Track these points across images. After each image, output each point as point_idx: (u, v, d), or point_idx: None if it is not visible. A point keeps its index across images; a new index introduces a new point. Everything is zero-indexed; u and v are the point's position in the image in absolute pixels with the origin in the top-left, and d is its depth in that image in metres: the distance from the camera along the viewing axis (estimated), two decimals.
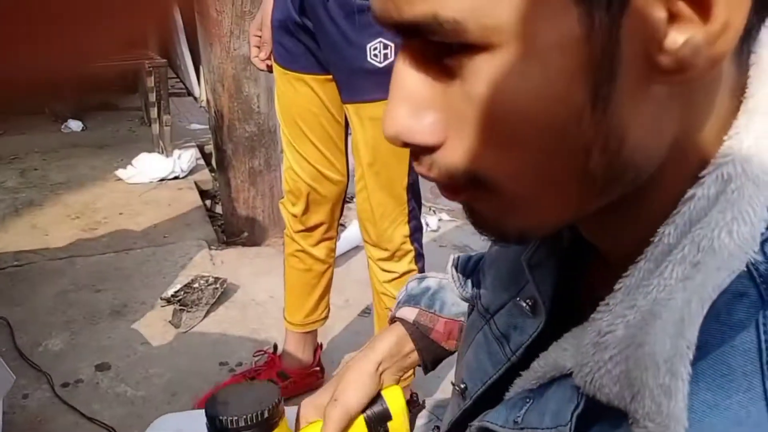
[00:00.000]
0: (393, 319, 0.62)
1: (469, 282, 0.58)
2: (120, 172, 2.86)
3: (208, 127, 3.21)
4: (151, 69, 3.01)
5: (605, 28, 0.26)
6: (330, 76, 1.16)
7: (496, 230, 0.34)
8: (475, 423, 0.46)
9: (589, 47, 0.26)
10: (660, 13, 0.26)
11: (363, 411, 0.56)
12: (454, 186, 0.32)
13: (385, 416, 0.56)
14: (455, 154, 0.30)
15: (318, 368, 1.53)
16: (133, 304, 1.87)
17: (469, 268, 0.60)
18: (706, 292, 0.28)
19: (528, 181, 0.30)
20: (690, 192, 0.30)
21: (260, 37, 1.26)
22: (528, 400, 0.39)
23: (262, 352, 1.58)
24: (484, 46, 0.27)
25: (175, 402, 1.49)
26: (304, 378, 1.48)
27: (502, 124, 0.28)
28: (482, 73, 0.27)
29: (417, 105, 0.30)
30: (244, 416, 0.50)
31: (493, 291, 0.48)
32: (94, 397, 1.50)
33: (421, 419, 0.69)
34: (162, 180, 2.82)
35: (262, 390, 0.54)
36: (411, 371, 0.70)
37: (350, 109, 1.15)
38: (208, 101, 2.64)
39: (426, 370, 0.63)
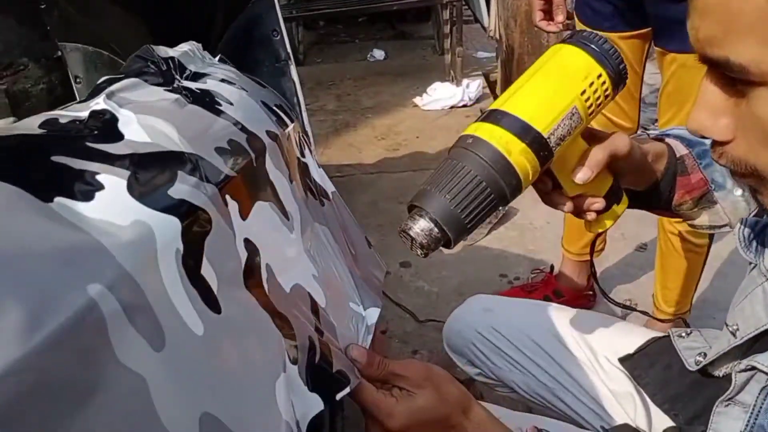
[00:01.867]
0: (659, 138, 0.72)
1: (754, 243, 0.63)
2: (417, 99, 3.22)
3: (494, 56, 3.40)
4: (447, 3, 3.26)
5: None
6: (634, 33, 1.25)
7: None
8: (744, 361, 0.57)
9: None
10: None
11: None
12: (739, 172, 0.45)
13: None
14: (740, 150, 0.43)
15: (591, 293, 1.68)
16: None
17: (756, 230, 0.65)
18: None
19: None
20: None
21: (545, 0, 1.35)
22: None
23: (539, 270, 1.78)
24: (763, 83, 0.39)
25: (461, 301, 1.79)
26: (578, 299, 1.65)
27: None
28: (761, 100, 0.40)
29: (714, 111, 0.44)
30: None
31: None
32: (399, 287, 1.86)
33: (689, 340, 0.80)
34: (452, 107, 3.11)
35: None
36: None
37: (667, 58, 1.22)
38: (499, 36, 2.81)
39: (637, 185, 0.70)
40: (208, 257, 0.44)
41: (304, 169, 0.76)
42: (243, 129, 0.59)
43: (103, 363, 0.32)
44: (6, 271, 0.30)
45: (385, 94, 3.45)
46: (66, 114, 0.48)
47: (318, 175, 0.81)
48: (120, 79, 0.55)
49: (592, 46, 0.57)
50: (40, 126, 0.45)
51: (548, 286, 1.68)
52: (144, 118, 0.49)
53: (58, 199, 0.36)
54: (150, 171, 0.44)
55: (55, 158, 0.40)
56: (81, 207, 0.37)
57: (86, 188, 0.39)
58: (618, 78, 0.58)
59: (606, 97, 0.58)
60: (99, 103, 0.50)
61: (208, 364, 0.40)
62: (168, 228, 0.41)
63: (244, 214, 0.51)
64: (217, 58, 0.79)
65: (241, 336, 0.46)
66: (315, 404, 0.53)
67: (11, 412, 0.27)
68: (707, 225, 0.73)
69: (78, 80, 1.10)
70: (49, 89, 1.20)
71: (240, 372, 0.43)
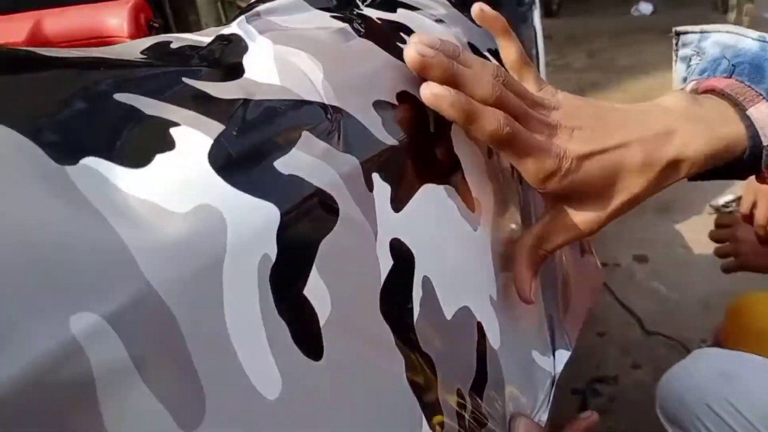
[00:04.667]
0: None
1: None
2: None
3: None
4: None
5: None
6: None
7: None
8: None
9: None
10: None
11: None
12: None
13: None
14: None
15: None
16: (681, 204, 1.84)
17: None
18: None
19: None
20: None
21: None
22: None
23: None
24: None
25: (707, 316, 1.45)
26: None
27: None
28: None
29: None
30: None
31: None
32: (628, 285, 1.58)
33: None
34: None
35: None
36: None
37: None
38: None
39: None
40: (320, 269, 0.29)
41: None
42: None
43: None
44: None
45: (647, 53, 2.99)
46: (187, 38, 0.36)
47: None
48: None
49: None
50: (145, 51, 0.33)
51: None
52: (283, 50, 0.35)
53: (86, 161, 0.23)
54: (257, 128, 0.29)
55: (120, 96, 0.27)
56: (120, 176, 0.24)
57: (145, 146, 0.26)
58: None
59: None
60: (232, 26, 0.37)
61: None
62: (255, 221, 0.26)
63: (398, 203, 0.35)
64: None
65: (349, 397, 0.30)
66: None
67: None
68: None
69: None
70: None
71: None
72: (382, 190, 0.33)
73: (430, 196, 0.38)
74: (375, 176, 0.33)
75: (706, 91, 0.47)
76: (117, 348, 0.20)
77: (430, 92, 0.36)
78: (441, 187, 0.39)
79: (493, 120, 0.37)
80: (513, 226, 0.51)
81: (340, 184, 0.30)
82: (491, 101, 0.38)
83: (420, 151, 0.37)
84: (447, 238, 0.39)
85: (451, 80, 0.37)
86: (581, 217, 0.42)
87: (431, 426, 0.35)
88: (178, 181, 0.25)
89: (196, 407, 0.22)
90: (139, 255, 0.22)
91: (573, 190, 0.40)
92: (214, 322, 0.24)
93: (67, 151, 0.23)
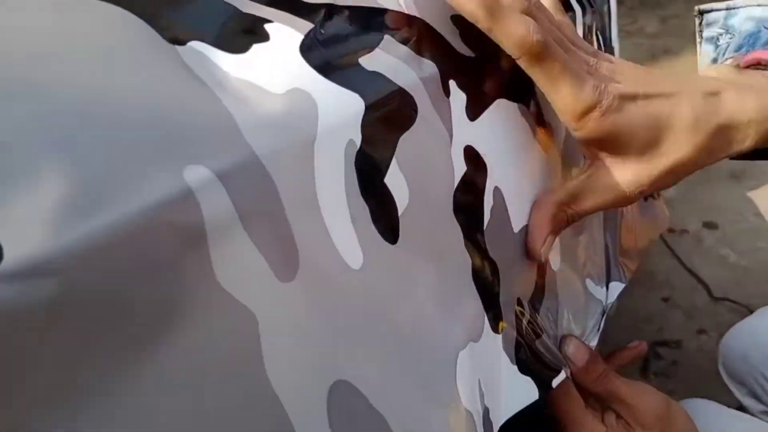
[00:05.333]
0: None
1: None
2: None
3: None
4: None
5: None
6: None
7: None
8: None
9: None
10: None
11: None
12: None
13: None
14: None
15: None
16: (753, 171, 1.76)
17: None
18: None
19: None
20: None
21: None
22: None
23: None
24: None
25: None
26: None
27: None
28: None
29: None
30: None
31: None
32: (696, 251, 1.54)
33: None
34: None
35: None
36: None
37: None
38: None
39: None
40: (399, 161, 0.30)
41: None
42: None
43: (191, 283, 0.22)
44: (78, 126, 0.21)
45: None
46: None
47: None
48: None
49: None
50: None
51: None
52: None
53: (192, 44, 0.26)
54: (343, 28, 0.31)
55: None
56: (222, 59, 0.26)
57: (243, 37, 0.28)
58: None
59: None
60: None
61: (359, 313, 0.28)
62: (343, 107, 0.28)
63: (473, 112, 0.36)
64: None
65: (420, 282, 0.32)
66: (526, 391, 0.38)
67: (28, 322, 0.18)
68: None
69: None
70: None
71: (409, 331, 0.30)
72: (458, 97, 0.35)
73: (504, 110, 0.39)
74: (452, 83, 0.34)
75: (749, 66, 0.45)
76: (225, 201, 0.23)
77: None
78: (515, 104, 0.40)
79: (521, 24, 0.32)
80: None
81: (419, 86, 0.32)
82: (520, 9, 0.33)
83: (495, 66, 0.38)
84: (518, 154, 0.40)
85: None
86: (621, 177, 0.38)
87: (492, 328, 0.37)
88: (274, 67, 0.27)
89: (291, 263, 0.25)
90: (243, 125, 0.24)
91: (615, 139, 0.36)
92: (307, 194, 0.26)
93: (176, 35, 0.26)
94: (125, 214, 0.20)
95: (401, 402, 0.29)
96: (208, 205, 0.22)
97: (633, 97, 0.35)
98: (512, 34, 0.32)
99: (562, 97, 0.35)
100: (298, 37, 0.29)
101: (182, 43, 0.26)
